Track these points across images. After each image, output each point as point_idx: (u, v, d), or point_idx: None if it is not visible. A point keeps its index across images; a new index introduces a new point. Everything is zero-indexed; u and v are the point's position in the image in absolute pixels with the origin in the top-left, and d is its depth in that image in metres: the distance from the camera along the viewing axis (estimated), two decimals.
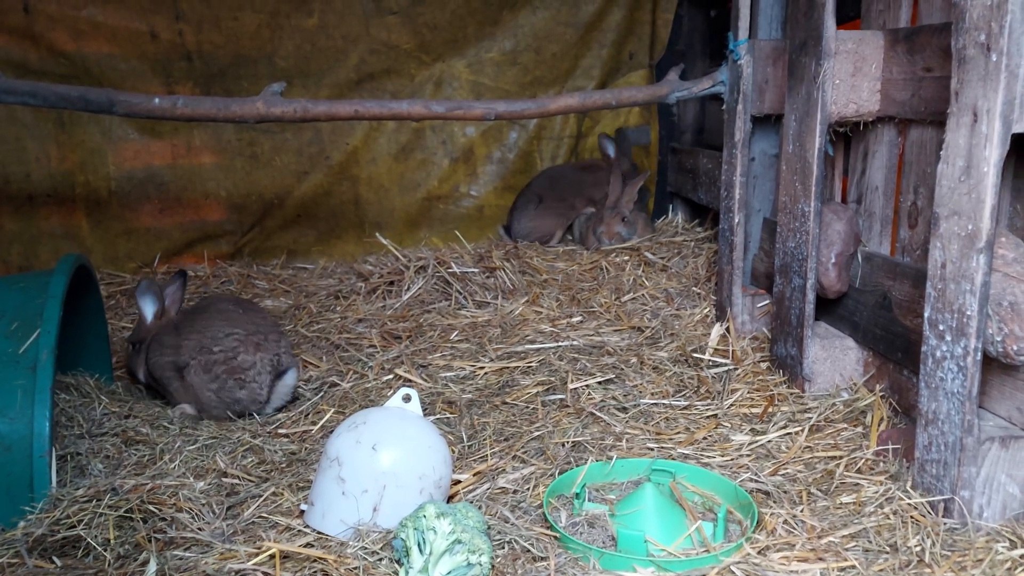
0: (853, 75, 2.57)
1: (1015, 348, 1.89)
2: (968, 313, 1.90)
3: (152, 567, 1.82)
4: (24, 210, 3.82)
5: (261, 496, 2.15)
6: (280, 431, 2.55)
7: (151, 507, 2.02)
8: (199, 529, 1.99)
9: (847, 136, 2.82)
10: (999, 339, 1.90)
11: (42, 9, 3.67)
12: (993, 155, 1.83)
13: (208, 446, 2.45)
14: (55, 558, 1.87)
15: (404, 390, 2.13)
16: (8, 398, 2.07)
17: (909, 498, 2.02)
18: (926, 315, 2.03)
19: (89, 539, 1.90)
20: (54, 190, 3.85)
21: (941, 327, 1.98)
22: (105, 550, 1.88)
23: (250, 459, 2.38)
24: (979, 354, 1.90)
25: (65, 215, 3.89)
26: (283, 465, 2.35)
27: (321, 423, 2.58)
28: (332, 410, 2.65)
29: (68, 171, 3.85)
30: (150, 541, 1.92)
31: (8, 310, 2.27)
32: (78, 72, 3.75)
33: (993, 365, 2.02)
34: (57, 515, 1.96)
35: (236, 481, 2.25)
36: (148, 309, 2.81)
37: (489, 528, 1.93)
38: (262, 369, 2.62)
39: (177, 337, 2.68)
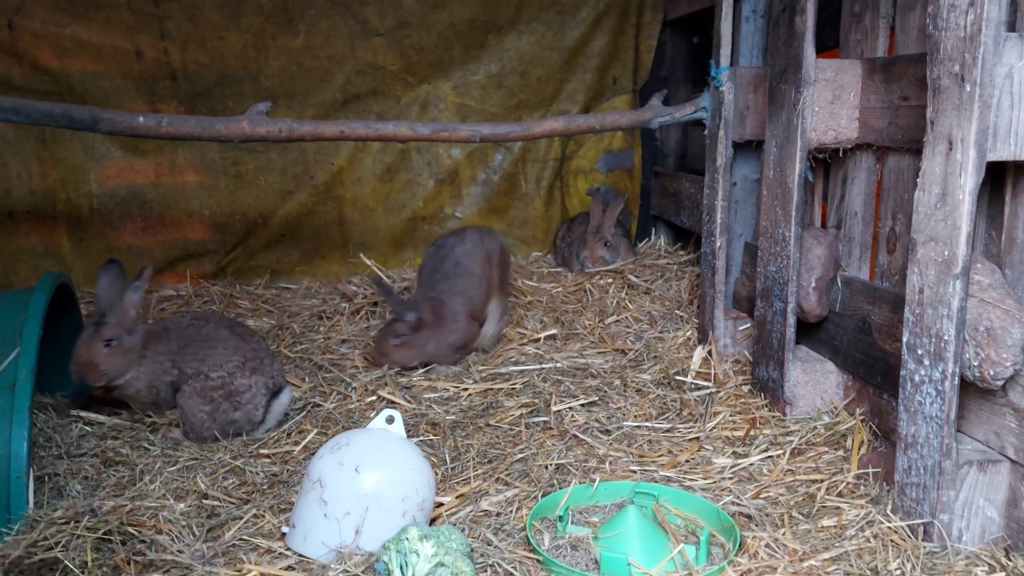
0: (832, 103, 2.62)
1: (992, 372, 1.91)
2: (946, 338, 1.93)
3: None
4: (4, 227, 3.79)
5: (242, 518, 2.13)
6: (262, 452, 2.54)
7: (130, 529, 2.00)
8: (179, 551, 1.97)
9: (826, 162, 2.86)
10: (976, 364, 1.93)
11: (26, 26, 3.66)
12: (968, 183, 1.87)
13: (189, 467, 2.43)
14: None
15: (387, 411, 2.13)
16: None
17: (889, 521, 2.04)
18: (905, 339, 2.06)
19: (67, 561, 1.87)
20: (35, 207, 3.83)
21: (919, 351, 2.01)
22: (83, 572, 1.86)
23: (231, 480, 2.37)
24: (957, 378, 1.93)
25: (46, 232, 3.86)
26: (265, 487, 2.33)
27: (304, 443, 2.56)
28: (315, 431, 2.64)
29: (50, 188, 3.83)
30: (128, 564, 1.89)
31: None
32: (62, 89, 3.74)
33: (971, 389, 2.04)
34: (34, 537, 1.93)
35: (217, 503, 2.23)
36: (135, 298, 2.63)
37: (472, 551, 1.92)
38: (258, 392, 2.62)
39: (175, 356, 2.65)
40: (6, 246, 3.80)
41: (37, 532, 1.95)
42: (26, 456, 2.05)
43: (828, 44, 3.01)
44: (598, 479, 2.27)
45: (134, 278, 2.62)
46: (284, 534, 2.03)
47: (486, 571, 1.89)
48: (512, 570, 1.89)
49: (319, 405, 2.85)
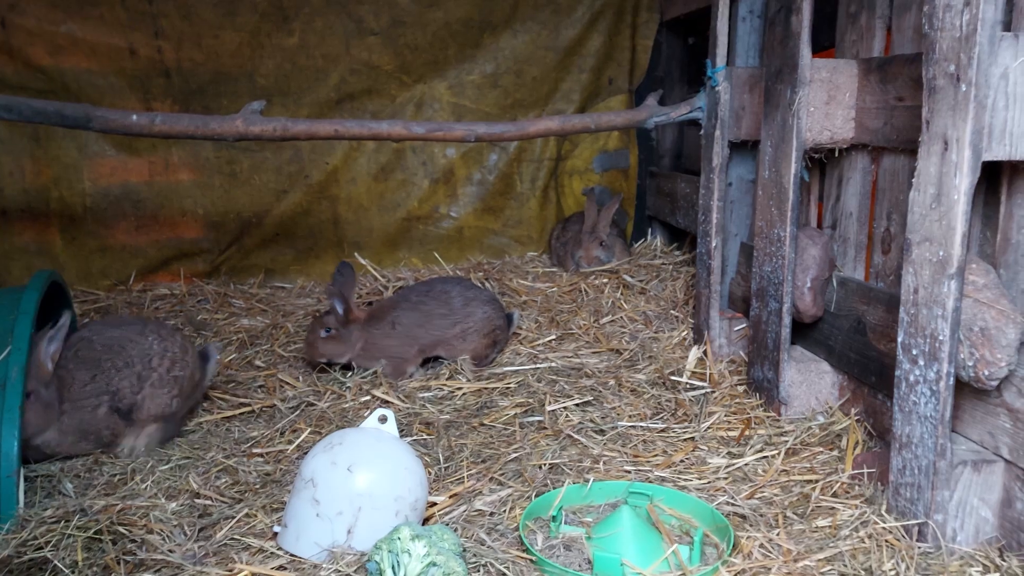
0: (827, 103, 2.61)
1: (986, 373, 1.91)
2: (940, 338, 1.92)
3: None
4: None
5: (234, 518, 2.12)
6: (255, 451, 2.52)
7: (121, 528, 1.99)
8: (170, 551, 1.95)
9: (822, 163, 2.86)
10: (971, 364, 1.93)
11: (20, 24, 3.65)
12: (963, 183, 1.87)
13: (181, 466, 2.42)
14: None
15: (380, 411, 2.12)
16: None
17: (884, 522, 2.03)
18: (899, 340, 2.05)
19: (56, 561, 1.86)
20: (28, 205, 3.81)
21: (914, 351, 2.01)
22: (73, 572, 1.84)
23: (224, 480, 2.35)
24: (951, 378, 1.93)
25: (39, 231, 3.84)
26: (257, 486, 2.32)
27: (297, 443, 2.55)
28: (308, 430, 2.63)
29: (43, 186, 3.81)
30: (119, 563, 1.88)
31: None
32: (55, 87, 3.72)
33: (965, 389, 2.04)
34: (24, 536, 1.92)
35: (209, 502, 2.21)
36: None
37: (465, 551, 1.92)
38: None
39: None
40: None
41: (27, 531, 1.94)
42: (16, 455, 2.04)
43: (824, 44, 3.01)
44: (592, 479, 2.27)
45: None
46: (276, 534, 2.01)
47: (479, 571, 1.88)
48: (505, 570, 1.88)
49: (313, 404, 2.84)
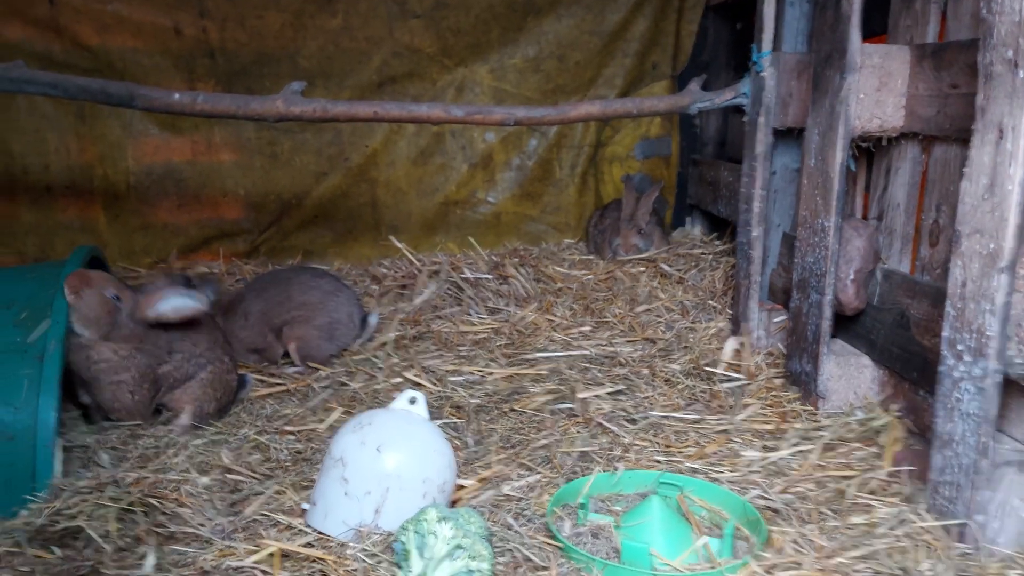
0: (878, 90, 2.53)
1: None
2: (988, 333, 1.85)
3: (150, 561, 1.80)
4: (42, 201, 3.84)
5: (264, 494, 2.13)
6: (287, 428, 2.54)
7: (152, 500, 2.01)
8: (200, 525, 1.97)
9: (870, 152, 2.78)
10: (1020, 361, 1.86)
11: (68, 2, 3.69)
12: (1019, 173, 1.79)
13: (214, 442, 2.45)
14: (55, 548, 1.86)
15: (410, 392, 2.11)
16: (14, 387, 2.07)
17: (922, 521, 1.98)
18: (944, 334, 1.99)
19: (89, 530, 1.89)
20: (72, 182, 3.87)
21: (959, 347, 1.94)
22: (105, 542, 1.87)
23: (255, 456, 2.37)
24: (998, 375, 1.86)
25: (83, 208, 3.90)
26: (288, 463, 2.33)
27: (328, 422, 2.56)
28: (340, 409, 2.64)
29: (87, 164, 3.87)
30: (149, 535, 1.90)
31: (19, 299, 2.28)
32: (101, 66, 3.77)
33: (1013, 387, 1.97)
34: (58, 506, 1.96)
35: (240, 478, 2.23)
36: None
37: (491, 535, 1.90)
38: None
39: None
40: (44, 221, 3.85)
41: (61, 501, 1.97)
42: (54, 425, 2.07)
43: (876, 30, 2.92)
44: (622, 468, 2.24)
45: None
46: (305, 511, 2.02)
47: (505, 555, 1.87)
48: (531, 555, 1.86)
49: (345, 384, 2.85)
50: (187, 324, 2.52)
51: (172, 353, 2.50)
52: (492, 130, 4.31)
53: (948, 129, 2.34)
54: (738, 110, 3.18)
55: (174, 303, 2.42)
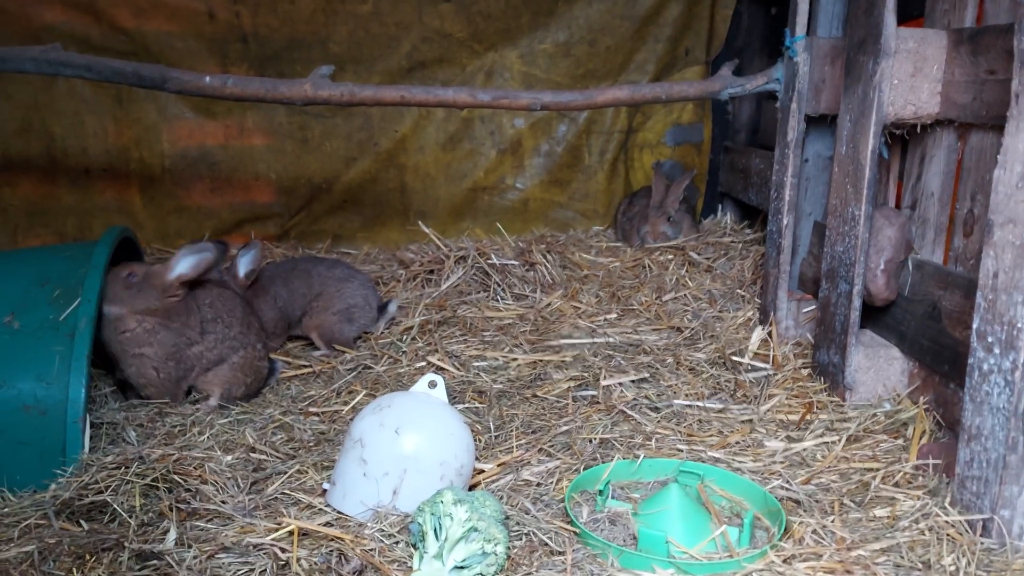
0: (913, 75, 2.48)
1: None
2: (1019, 325, 1.81)
3: (172, 536, 1.84)
4: (80, 183, 3.91)
5: (286, 473, 2.16)
6: (311, 410, 2.57)
7: (177, 477, 2.05)
8: (222, 502, 2.01)
9: (904, 139, 2.72)
10: None
11: None
12: None
13: (239, 421, 2.48)
14: (81, 521, 1.90)
15: (430, 376, 2.12)
16: (46, 363, 2.12)
17: (946, 515, 1.94)
18: (974, 326, 1.94)
19: (115, 505, 1.93)
20: (110, 165, 3.94)
21: (990, 339, 1.89)
22: (130, 516, 1.91)
23: (279, 436, 2.40)
24: None
25: (119, 190, 3.97)
26: (311, 444, 2.36)
27: (352, 404, 2.59)
28: (364, 392, 2.66)
29: (124, 147, 3.93)
30: (172, 510, 1.94)
31: (53, 278, 2.32)
32: (137, 49, 3.82)
33: None
34: (86, 480, 2.00)
35: (263, 457, 2.26)
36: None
37: (508, 519, 1.91)
38: None
39: None
40: (82, 202, 3.92)
41: (89, 476, 2.01)
42: (83, 402, 2.11)
43: (913, 13, 2.85)
44: (642, 455, 2.23)
45: None
46: (325, 491, 2.05)
47: (521, 539, 1.87)
48: (548, 540, 1.86)
49: (370, 367, 2.87)
50: (221, 305, 2.57)
51: (205, 334, 2.54)
52: (521, 116, 4.29)
53: (985, 116, 2.28)
54: (771, 96, 3.13)
55: (189, 260, 2.50)
